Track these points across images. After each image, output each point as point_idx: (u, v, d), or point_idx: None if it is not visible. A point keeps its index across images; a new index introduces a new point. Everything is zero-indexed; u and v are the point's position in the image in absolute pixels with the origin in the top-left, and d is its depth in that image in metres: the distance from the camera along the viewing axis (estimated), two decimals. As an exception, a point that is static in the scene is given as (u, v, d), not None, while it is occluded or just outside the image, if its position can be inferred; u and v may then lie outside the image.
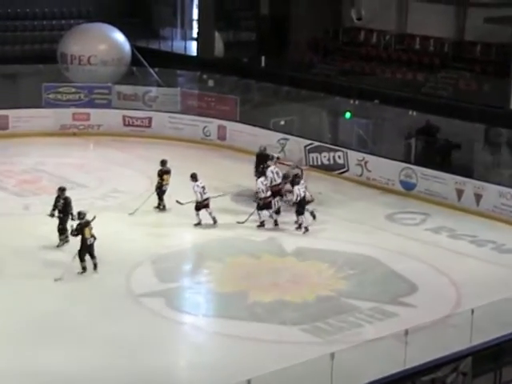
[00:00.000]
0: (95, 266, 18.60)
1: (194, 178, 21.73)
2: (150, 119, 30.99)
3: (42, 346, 15.41)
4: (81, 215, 18.53)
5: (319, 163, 26.95)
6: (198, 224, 21.81)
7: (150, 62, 33.40)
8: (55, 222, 21.07)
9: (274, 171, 22.75)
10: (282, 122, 29.18)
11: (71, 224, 19.13)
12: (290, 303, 17.59)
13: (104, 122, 31.11)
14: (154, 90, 32.17)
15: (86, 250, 18.43)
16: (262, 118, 29.30)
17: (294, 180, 21.92)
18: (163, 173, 22.86)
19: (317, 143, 27.21)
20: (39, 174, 25.82)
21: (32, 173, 25.75)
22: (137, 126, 31.04)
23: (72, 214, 19.54)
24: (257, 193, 21.95)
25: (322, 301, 17.82)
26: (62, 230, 19.93)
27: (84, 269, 18.42)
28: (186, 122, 30.58)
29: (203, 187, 21.73)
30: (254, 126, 28.98)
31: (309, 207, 22.11)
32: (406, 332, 13.94)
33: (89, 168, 26.91)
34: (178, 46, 36.76)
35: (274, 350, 15.63)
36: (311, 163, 26.81)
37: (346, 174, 26.46)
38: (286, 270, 19.47)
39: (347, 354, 13.82)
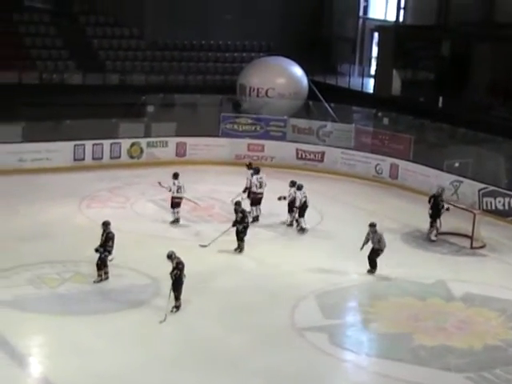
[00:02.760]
0: (177, 307, 17.99)
1: (175, 176, 24.03)
2: (322, 154, 31.16)
3: (200, 371, 15.66)
4: (172, 256, 17.82)
5: (493, 208, 26.20)
6: (175, 221, 23.93)
7: (326, 97, 33.68)
8: (222, 251, 21.52)
9: (258, 179, 24.72)
10: (457, 164, 28.60)
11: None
12: (456, 349, 17.12)
13: (277, 154, 31.56)
14: (328, 125, 32.35)
15: (181, 288, 17.92)
16: (435, 158, 28.83)
17: (298, 186, 23.74)
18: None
19: (492, 187, 26.47)
20: (212, 201, 26.42)
21: (205, 200, 26.37)
22: (309, 159, 31.29)
23: (110, 252, 19.12)
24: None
25: (489, 350, 17.25)
26: (99, 265, 19.25)
27: (178, 307, 18.00)
28: (359, 159, 30.55)
29: (179, 187, 23.88)
30: (428, 166, 28.56)
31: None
32: None
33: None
34: (354, 82, 36.90)
35: (436, 396, 15.28)
36: (484, 207, 26.12)
37: (520, 221, 25.64)
38: (452, 314, 18.99)
39: (514, 407, 13.31)
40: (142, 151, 30.69)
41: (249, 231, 22.86)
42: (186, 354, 16.32)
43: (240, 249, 21.92)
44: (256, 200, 24.78)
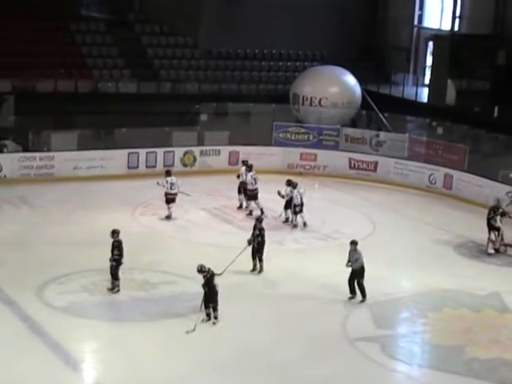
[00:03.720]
0: (216, 317, 17.79)
1: (167, 173, 25.29)
2: (375, 163, 31.03)
3: (250, 379, 15.68)
4: (202, 270, 17.61)
5: (549, 219, 25.79)
6: (169, 217, 24.93)
7: (380, 107, 33.53)
8: (273, 260, 21.47)
9: (252, 176, 25.90)
10: (512, 175, 28.28)
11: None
12: (510, 362, 16.83)
13: (330, 163, 31.54)
14: (381, 135, 32.25)
15: (216, 298, 17.74)
16: (490, 169, 28.51)
17: (293, 184, 24.79)
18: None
19: (548, 198, 26.12)
20: (264, 210, 26.39)
21: (257, 208, 26.36)
22: (362, 169, 31.19)
23: (117, 260, 18.91)
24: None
25: (545, 363, 16.97)
26: (112, 275, 19.13)
27: (209, 315, 17.76)
28: (412, 169, 30.35)
29: (172, 183, 24.94)
30: (482, 176, 28.24)
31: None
32: None
33: (312, 208, 27.20)
34: (408, 91, 36.66)
35: (490, 409, 15.08)
36: (540, 218, 25.72)
37: None
38: (506, 327, 18.72)
39: None
40: (195, 160, 30.89)
41: (300, 239, 22.94)
42: (237, 361, 16.33)
43: (259, 269, 20.82)
44: (253, 196, 26.00)
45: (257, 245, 20.78)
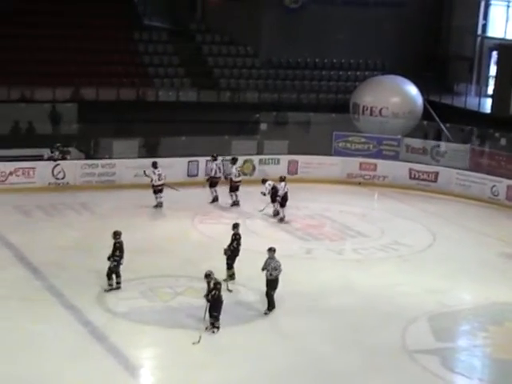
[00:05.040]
0: (218, 327, 17.66)
1: (154, 165, 26.41)
2: (436, 174, 30.73)
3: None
4: (210, 276, 17.50)
5: None
6: (157, 206, 26.34)
7: (441, 117, 33.20)
8: (334, 269, 21.38)
9: (236, 168, 27.53)
10: None
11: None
12: None
13: (390, 173, 31.32)
14: (443, 145, 31.92)
15: (220, 307, 17.64)
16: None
17: (281, 178, 26.30)
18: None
19: None
20: (323, 219, 26.37)
21: (316, 218, 26.34)
22: (423, 179, 30.91)
23: (117, 261, 19.30)
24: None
25: None
26: (109, 274, 19.48)
27: (219, 328, 17.66)
28: (474, 180, 29.99)
29: (159, 175, 26.30)
30: (546, 188, 27.82)
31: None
32: None
33: (371, 218, 27.11)
34: (471, 102, 36.25)
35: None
36: None
37: None
38: None
39: None
40: (254, 168, 30.94)
41: (359, 250, 22.77)
42: (293, 370, 16.27)
43: (229, 276, 20.20)
44: (235, 187, 27.37)
45: (230, 252, 20.32)
